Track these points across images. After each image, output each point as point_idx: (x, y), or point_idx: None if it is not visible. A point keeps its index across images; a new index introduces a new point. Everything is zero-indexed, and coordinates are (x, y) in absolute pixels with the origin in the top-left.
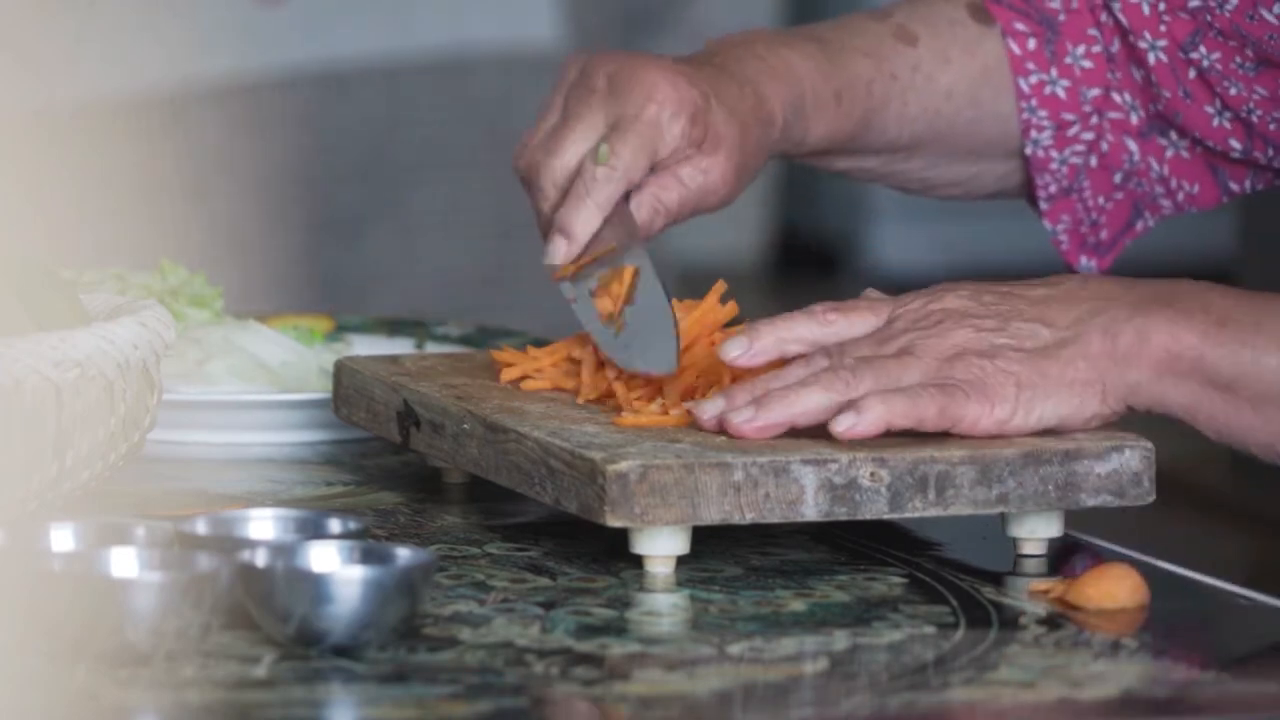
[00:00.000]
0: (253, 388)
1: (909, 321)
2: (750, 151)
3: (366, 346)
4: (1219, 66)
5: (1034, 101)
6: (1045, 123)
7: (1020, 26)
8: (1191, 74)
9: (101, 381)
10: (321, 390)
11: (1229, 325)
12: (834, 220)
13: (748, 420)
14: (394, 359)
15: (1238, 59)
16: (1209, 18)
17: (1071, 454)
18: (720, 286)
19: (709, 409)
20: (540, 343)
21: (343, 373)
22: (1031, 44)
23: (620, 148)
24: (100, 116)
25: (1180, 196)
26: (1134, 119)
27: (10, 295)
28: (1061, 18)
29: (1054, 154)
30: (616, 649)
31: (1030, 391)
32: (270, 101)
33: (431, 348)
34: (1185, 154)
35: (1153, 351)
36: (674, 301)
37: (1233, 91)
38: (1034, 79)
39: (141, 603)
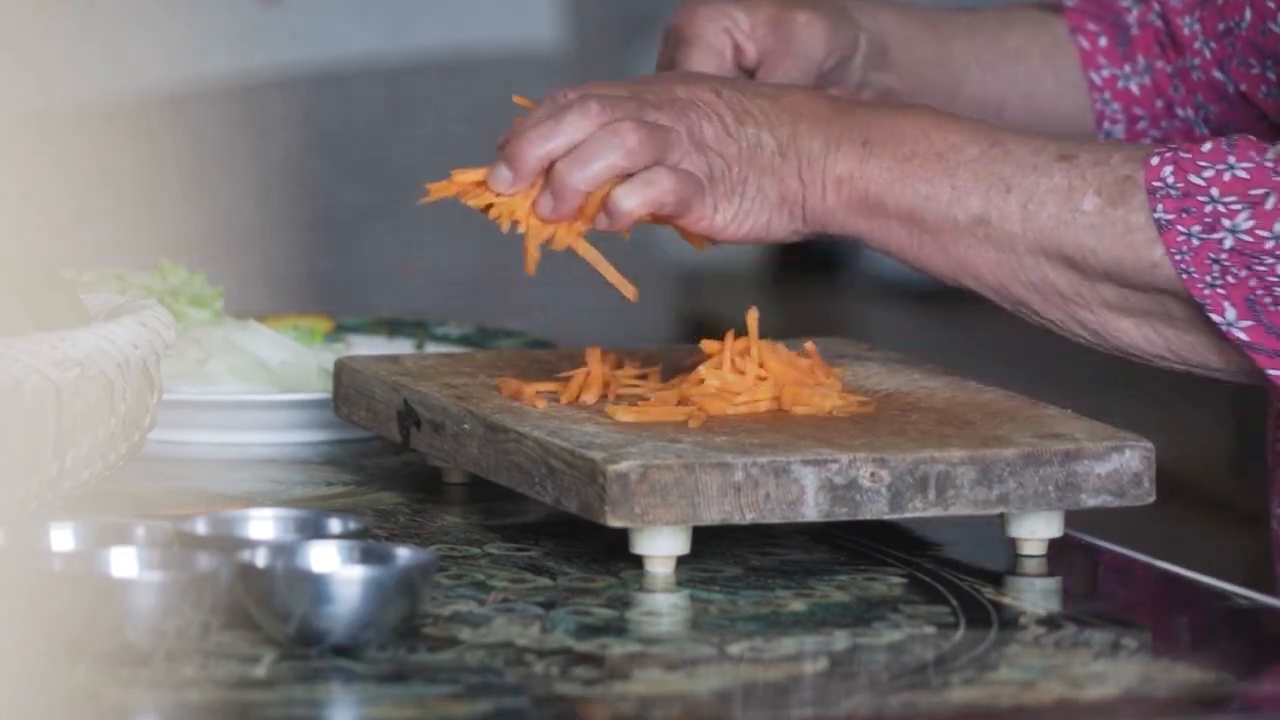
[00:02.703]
0: (253, 388)
1: (655, 99)
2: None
3: (366, 346)
4: (1246, 91)
5: (1107, 94)
6: (1119, 115)
7: (1092, 26)
8: (1230, 89)
9: (101, 381)
10: (321, 390)
11: (914, 159)
12: None
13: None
14: (394, 359)
15: (1263, 87)
16: (1233, 43)
17: (1071, 454)
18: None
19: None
20: (541, 344)
21: (343, 372)
22: (1103, 41)
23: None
24: (100, 116)
25: None
26: (1196, 132)
27: (10, 295)
28: (1134, 30)
29: None
30: (616, 649)
31: (748, 201)
32: (270, 101)
33: (431, 348)
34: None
35: (845, 187)
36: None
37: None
38: (1106, 73)
39: (141, 603)
